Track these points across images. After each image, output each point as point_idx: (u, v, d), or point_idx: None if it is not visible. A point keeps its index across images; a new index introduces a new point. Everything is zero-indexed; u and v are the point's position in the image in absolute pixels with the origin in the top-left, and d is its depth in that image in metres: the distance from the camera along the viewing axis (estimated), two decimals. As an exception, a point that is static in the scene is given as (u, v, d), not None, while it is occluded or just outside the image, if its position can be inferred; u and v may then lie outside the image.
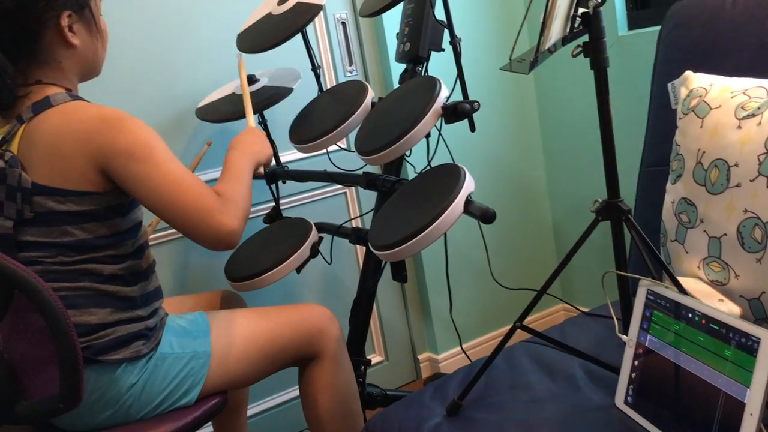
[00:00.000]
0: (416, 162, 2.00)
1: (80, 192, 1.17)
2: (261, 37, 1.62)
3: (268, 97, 1.70)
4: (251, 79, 1.76)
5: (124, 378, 1.21)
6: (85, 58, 1.27)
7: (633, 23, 2.03)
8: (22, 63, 1.21)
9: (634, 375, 1.08)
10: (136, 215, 1.27)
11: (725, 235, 1.20)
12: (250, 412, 2.01)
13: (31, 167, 1.17)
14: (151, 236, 1.80)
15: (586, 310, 1.52)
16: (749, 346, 0.88)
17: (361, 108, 1.48)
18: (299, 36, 1.62)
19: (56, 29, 1.20)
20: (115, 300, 1.22)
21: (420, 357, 2.35)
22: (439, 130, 1.61)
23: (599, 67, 1.06)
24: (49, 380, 1.07)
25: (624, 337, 1.11)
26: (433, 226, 1.16)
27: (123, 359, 1.20)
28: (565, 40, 1.07)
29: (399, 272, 1.66)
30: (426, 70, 1.66)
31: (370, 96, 1.51)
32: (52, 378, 1.06)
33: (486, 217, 1.18)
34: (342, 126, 1.47)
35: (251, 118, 1.55)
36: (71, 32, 1.22)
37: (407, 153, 1.68)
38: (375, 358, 2.27)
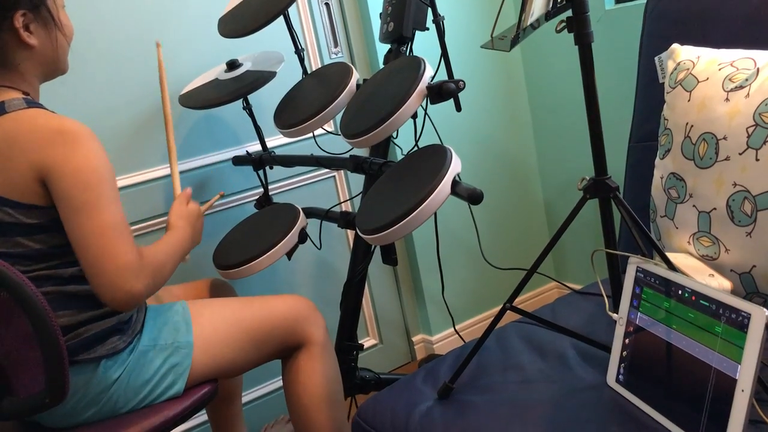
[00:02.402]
0: (404, 143, 1.98)
1: (27, 205, 1.13)
2: (242, 20, 1.59)
3: (251, 82, 1.67)
4: (233, 64, 1.74)
5: (106, 374, 1.19)
6: (45, 57, 1.22)
7: (620, -3, 2.00)
8: None
9: (625, 353, 1.07)
10: None
11: (715, 209, 1.19)
12: (244, 399, 2.00)
13: None
14: (140, 226, 1.79)
15: (579, 287, 1.52)
16: (740, 322, 0.87)
17: (346, 90, 1.46)
18: (283, 18, 1.59)
19: (11, 31, 1.16)
20: (80, 299, 1.19)
21: (414, 339, 2.34)
22: (425, 110, 1.59)
23: (583, 43, 1.04)
24: (34, 376, 1.06)
25: (614, 315, 1.11)
26: (419, 208, 1.15)
27: (101, 356, 1.19)
28: (548, 16, 1.05)
29: (389, 255, 1.65)
30: (411, 50, 1.63)
31: (355, 78, 1.48)
32: (38, 374, 1.05)
33: (473, 197, 1.17)
34: (327, 109, 1.45)
35: (179, 185, 1.53)
36: (27, 32, 1.17)
37: (394, 135, 1.66)
38: (369, 341, 2.27)
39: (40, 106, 1.18)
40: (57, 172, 1.10)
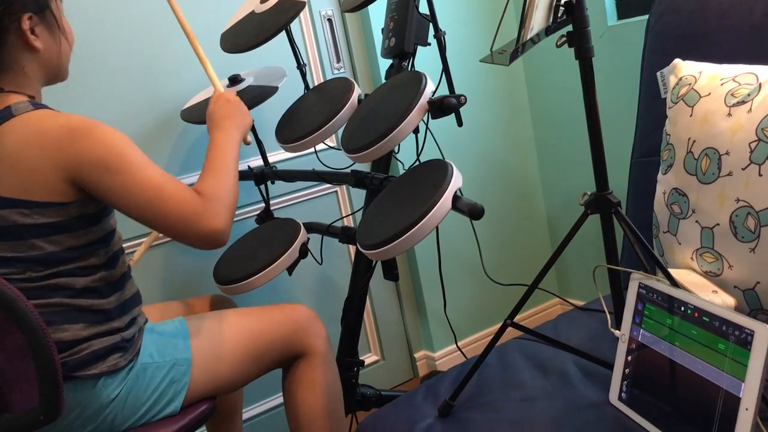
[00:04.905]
0: (405, 158, 1.98)
1: (46, 203, 1.13)
2: (245, 36, 1.60)
3: (253, 97, 1.67)
4: (235, 79, 1.74)
5: (104, 392, 1.18)
6: (49, 61, 1.23)
7: (622, 13, 2.00)
8: None
9: (627, 371, 1.06)
10: (109, 223, 1.24)
11: (718, 225, 1.17)
12: (245, 416, 1.99)
13: None
14: (139, 241, 1.78)
15: (582, 304, 1.51)
16: (743, 339, 0.86)
17: (347, 105, 1.46)
18: (285, 34, 1.59)
19: (18, 33, 1.17)
20: (88, 314, 1.18)
21: (416, 355, 2.33)
22: (427, 125, 1.59)
23: (584, 57, 1.04)
24: (29, 392, 1.05)
25: (617, 332, 1.09)
26: (420, 224, 1.14)
27: (100, 373, 1.17)
28: (548, 30, 1.05)
29: (390, 271, 1.64)
30: (412, 65, 1.64)
31: (357, 93, 1.48)
32: (32, 390, 1.04)
33: (474, 212, 1.16)
34: (328, 124, 1.45)
35: (218, 83, 1.49)
36: (33, 35, 1.18)
37: (395, 149, 1.65)
38: (371, 358, 2.25)
39: (45, 107, 1.19)
40: (84, 168, 1.12)
